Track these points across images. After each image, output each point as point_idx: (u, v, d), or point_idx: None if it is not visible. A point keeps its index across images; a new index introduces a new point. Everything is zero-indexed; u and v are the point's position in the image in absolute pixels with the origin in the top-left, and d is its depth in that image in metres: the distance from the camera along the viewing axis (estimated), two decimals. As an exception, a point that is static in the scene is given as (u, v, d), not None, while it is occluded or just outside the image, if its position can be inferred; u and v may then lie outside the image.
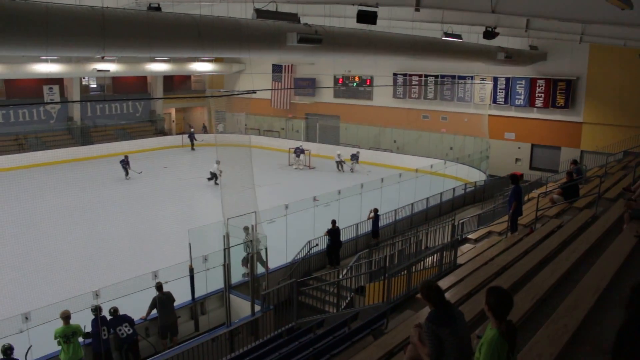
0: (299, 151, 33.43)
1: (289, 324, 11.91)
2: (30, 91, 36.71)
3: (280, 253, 16.32)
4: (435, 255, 11.35)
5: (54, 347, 10.53)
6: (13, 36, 8.68)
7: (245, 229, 15.34)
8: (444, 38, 19.22)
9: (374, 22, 13.46)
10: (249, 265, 15.29)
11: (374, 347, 7.28)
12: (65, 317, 10.33)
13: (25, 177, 26.48)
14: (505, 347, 4.22)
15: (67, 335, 10.23)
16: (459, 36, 19.75)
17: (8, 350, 9.52)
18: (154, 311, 12.15)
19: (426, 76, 33.79)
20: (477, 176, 28.07)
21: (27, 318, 10.43)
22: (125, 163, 29.84)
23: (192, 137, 38.50)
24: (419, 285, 5.24)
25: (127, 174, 29.76)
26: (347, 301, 14.10)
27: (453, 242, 11.67)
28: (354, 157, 32.63)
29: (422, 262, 11.32)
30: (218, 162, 26.88)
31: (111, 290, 11.76)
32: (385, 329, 8.53)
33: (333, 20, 17.52)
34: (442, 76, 32.98)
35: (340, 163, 32.47)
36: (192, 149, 37.83)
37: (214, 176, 27.66)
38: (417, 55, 20.57)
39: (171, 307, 12.28)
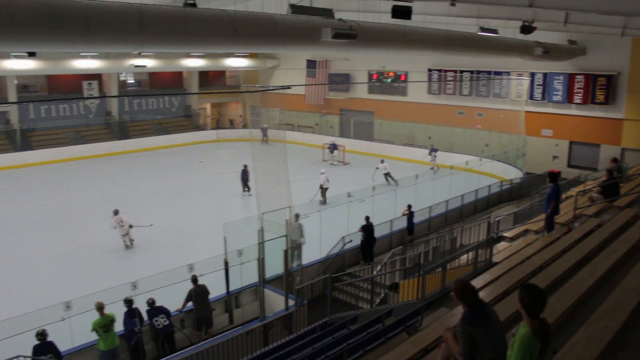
0: (332, 147, 33.40)
1: (322, 319, 11.95)
2: (70, 86, 37.58)
3: (314, 248, 16.40)
4: (470, 253, 11.24)
5: (91, 336, 10.85)
6: (55, 33, 8.89)
7: (297, 215, 15.75)
8: (479, 33, 18.96)
9: (408, 17, 13.39)
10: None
11: (408, 344, 7.26)
12: (100, 308, 10.64)
13: (64, 170, 27.17)
14: (537, 345, 4.17)
15: (107, 324, 10.55)
16: (495, 31, 19.45)
17: (40, 335, 9.86)
18: (190, 303, 12.34)
19: (461, 72, 33.39)
20: (513, 173, 27.68)
21: (68, 306, 10.79)
22: (246, 175, 25.25)
23: (264, 132, 37.18)
24: (452, 284, 5.18)
25: (248, 188, 25.17)
26: (380, 297, 14.09)
27: (488, 240, 11.54)
28: (434, 151, 31.23)
29: (457, 260, 11.23)
30: (383, 161, 26.68)
31: (148, 281, 12.02)
32: (419, 326, 8.49)
33: (368, 16, 17.49)
34: (478, 72, 32.51)
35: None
36: (266, 142, 35.85)
37: (388, 177, 26.32)
38: (452, 51, 20.37)
39: (206, 300, 12.44)
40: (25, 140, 33.86)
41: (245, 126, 44.26)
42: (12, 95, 34.34)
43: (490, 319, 4.79)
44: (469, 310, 4.84)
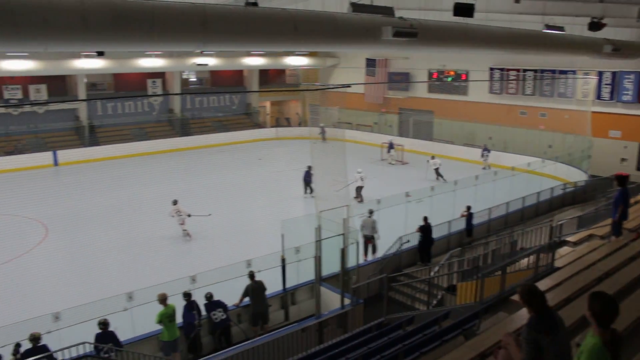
0: (390, 146, 33.20)
1: (378, 319, 11.89)
2: (135, 85, 38.92)
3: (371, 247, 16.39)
4: (531, 257, 10.94)
5: (151, 327, 11.19)
6: (123, 33, 9.18)
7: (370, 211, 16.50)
8: (544, 31, 18.39)
9: (470, 15, 13.13)
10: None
11: (465, 347, 7.16)
12: (163, 299, 10.97)
13: (128, 165, 28.10)
14: (607, 357, 3.97)
15: (170, 315, 10.89)
16: (561, 28, 18.82)
17: (102, 325, 10.26)
18: (247, 299, 12.52)
19: (525, 71, 32.50)
20: (577, 176, 26.72)
21: (130, 297, 11.16)
22: (309, 176, 24.41)
23: (323, 130, 38.04)
24: (519, 288, 4.97)
25: (310, 190, 24.37)
26: (437, 299, 13.91)
27: (550, 244, 11.19)
28: (486, 151, 31.24)
29: (517, 263, 10.96)
30: (433, 157, 27.52)
31: (206, 276, 12.28)
32: (477, 330, 8.33)
33: (429, 14, 17.23)
34: (542, 71, 31.58)
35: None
36: (324, 140, 36.97)
37: (437, 173, 27.37)
38: (516, 49, 19.81)
39: (263, 296, 12.60)
40: (92, 136, 35.23)
41: (301, 124, 44.65)
42: (82, 93, 35.85)
43: (558, 326, 4.61)
44: (536, 316, 4.65)
